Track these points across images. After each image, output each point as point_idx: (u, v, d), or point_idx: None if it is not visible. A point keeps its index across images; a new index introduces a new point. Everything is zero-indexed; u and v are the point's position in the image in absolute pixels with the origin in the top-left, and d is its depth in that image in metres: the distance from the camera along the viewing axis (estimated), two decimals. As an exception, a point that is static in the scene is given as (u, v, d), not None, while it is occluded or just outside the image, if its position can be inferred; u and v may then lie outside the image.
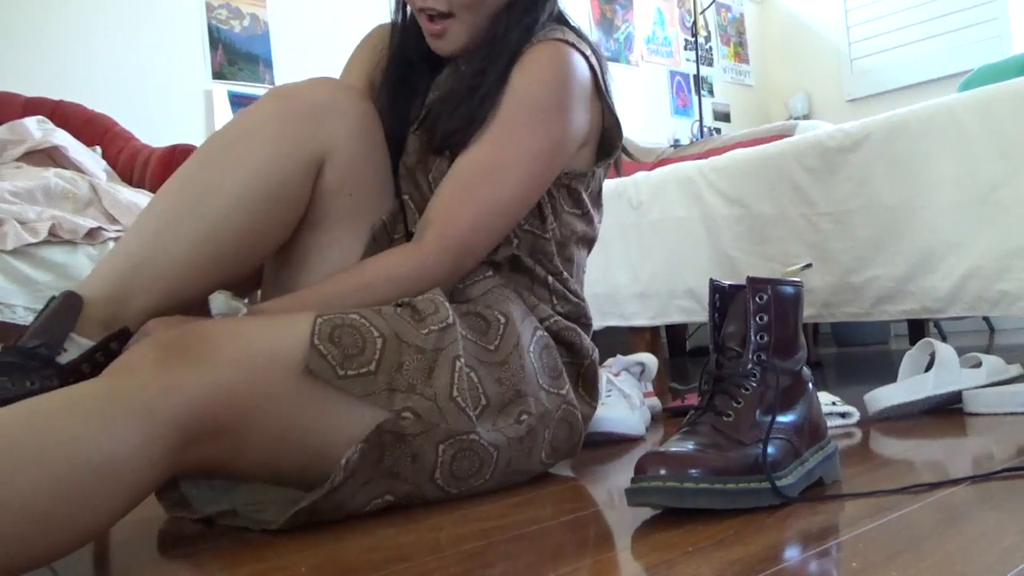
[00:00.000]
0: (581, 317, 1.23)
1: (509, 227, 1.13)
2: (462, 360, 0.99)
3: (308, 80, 1.08)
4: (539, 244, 1.19)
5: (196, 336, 0.88)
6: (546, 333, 1.14)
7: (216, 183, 1.00)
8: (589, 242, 1.29)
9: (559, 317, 1.18)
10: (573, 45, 1.14)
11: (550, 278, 1.20)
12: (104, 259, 1.02)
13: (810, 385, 1.01)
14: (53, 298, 0.96)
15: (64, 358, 0.92)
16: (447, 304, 1.02)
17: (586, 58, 1.16)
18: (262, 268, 1.16)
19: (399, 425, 0.94)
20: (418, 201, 1.16)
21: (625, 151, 1.29)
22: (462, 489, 1.02)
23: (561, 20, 1.23)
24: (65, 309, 0.94)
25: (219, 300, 1.00)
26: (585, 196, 1.23)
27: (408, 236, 1.14)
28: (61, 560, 0.93)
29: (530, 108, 1.11)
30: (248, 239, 1.02)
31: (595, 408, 1.23)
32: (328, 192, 1.06)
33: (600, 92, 1.19)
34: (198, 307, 1.06)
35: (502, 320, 1.08)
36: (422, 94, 1.24)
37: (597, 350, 1.24)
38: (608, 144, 1.24)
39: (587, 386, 1.21)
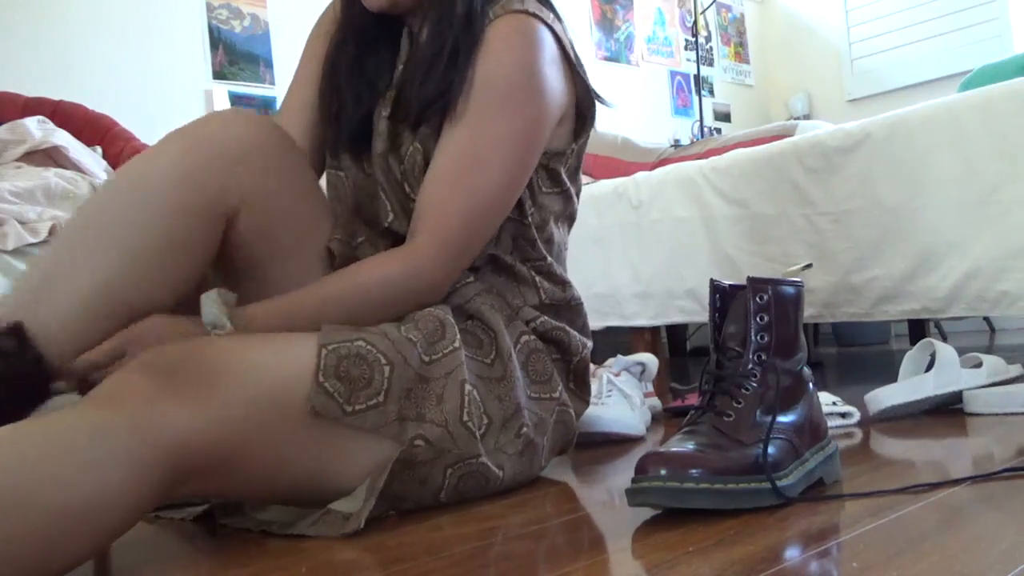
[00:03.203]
0: (570, 301, 1.20)
1: (500, 219, 1.10)
2: (469, 384, 0.99)
3: (218, 117, 1.01)
4: (519, 231, 1.15)
5: (194, 366, 0.84)
6: (533, 336, 1.12)
7: (110, 236, 0.93)
8: (570, 218, 1.25)
9: (546, 317, 1.15)
10: (535, 15, 1.09)
11: (532, 273, 1.16)
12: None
13: (810, 385, 1.01)
14: None
15: None
16: (453, 323, 1.01)
17: (550, 27, 1.11)
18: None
19: (411, 454, 0.93)
20: (393, 187, 1.12)
21: (599, 98, 1.20)
22: (463, 501, 1.02)
23: None
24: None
25: (209, 304, 0.94)
26: (564, 173, 1.19)
27: (371, 236, 1.12)
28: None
29: (502, 93, 1.06)
30: (145, 289, 0.94)
31: (588, 403, 1.22)
32: (249, 240, 1.01)
33: (569, 60, 1.14)
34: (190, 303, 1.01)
35: (491, 333, 1.07)
36: (387, 74, 1.18)
37: (590, 343, 1.21)
38: (584, 113, 1.19)
39: (578, 382, 1.19)
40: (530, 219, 1.15)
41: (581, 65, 1.17)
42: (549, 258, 1.18)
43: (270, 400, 0.86)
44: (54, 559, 0.72)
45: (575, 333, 1.18)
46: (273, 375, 0.87)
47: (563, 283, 1.20)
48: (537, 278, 1.17)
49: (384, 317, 1.01)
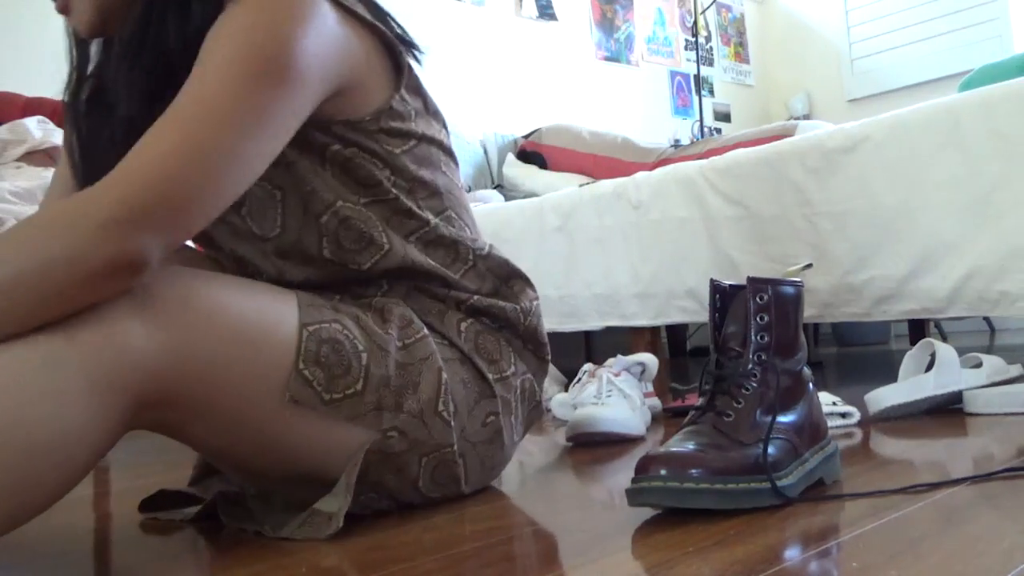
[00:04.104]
0: (476, 250, 1.07)
1: (230, 182, 0.82)
2: (445, 374, 0.97)
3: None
4: (392, 206, 1.01)
5: (160, 290, 0.80)
6: (470, 319, 1.05)
7: None
8: (445, 152, 1.10)
9: (478, 296, 1.06)
10: None
11: (430, 260, 1.03)
12: None
13: (810, 385, 1.01)
14: None
15: None
16: (415, 315, 1.00)
17: None
18: None
19: (385, 445, 0.93)
20: None
21: (409, 44, 1.05)
22: (444, 494, 1.01)
23: None
24: None
25: None
26: (408, 124, 1.03)
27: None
28: (60, 561, 0.93)
29: (233, 64, 0.83)
30: None
31: (548, 360, 1.15)
32: None
33: (352, 14, 0.96)
34: None
35: (435, 329, 1.03)
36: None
37: (533, 301, 1.12)
38: (397, 58, 1.02)
39: (533, 343, 1.12)
40: (396, 189, 1.01)
41: (383, 17, 1.02)
42: (433, 219, 1.04)
43: (245, 358, 0.84)
44: (29, 497, 0.72)
45: (508, 304, 1.09)
46: (252, 333, 0.85)
47: (458, 236, 1.06)
48: (443, 270, 1.04)
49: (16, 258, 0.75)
